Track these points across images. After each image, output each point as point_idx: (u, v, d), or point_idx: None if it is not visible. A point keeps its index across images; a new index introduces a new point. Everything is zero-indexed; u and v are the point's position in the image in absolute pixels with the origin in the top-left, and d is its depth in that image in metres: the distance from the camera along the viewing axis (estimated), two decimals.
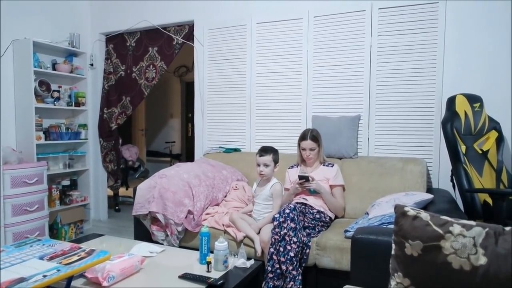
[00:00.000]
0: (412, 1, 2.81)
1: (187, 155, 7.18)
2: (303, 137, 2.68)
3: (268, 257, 2.11)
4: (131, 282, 1.76)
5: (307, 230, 2.31)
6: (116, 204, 4.76)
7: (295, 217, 2.13)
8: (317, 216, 2.43)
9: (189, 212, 2.54)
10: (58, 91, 3.76)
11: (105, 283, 1.67)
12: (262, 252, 2.25)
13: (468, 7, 2.70)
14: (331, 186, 2.61)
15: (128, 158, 5.64)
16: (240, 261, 1.97)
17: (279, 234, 2.09)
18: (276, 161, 2.49)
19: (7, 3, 3.38)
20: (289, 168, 2.80)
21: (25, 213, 3.11)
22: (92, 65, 4.14)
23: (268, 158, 2.45)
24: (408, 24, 2.84)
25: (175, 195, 2.53)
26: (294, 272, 2.06)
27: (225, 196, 2.90)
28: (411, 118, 2.87)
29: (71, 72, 3.87)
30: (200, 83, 3.68)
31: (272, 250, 2.10)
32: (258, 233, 2.35)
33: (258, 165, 2.47)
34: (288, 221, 2.10)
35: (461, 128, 2.34)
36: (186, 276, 1.79)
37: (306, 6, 3.18)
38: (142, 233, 2.67)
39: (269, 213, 2.43)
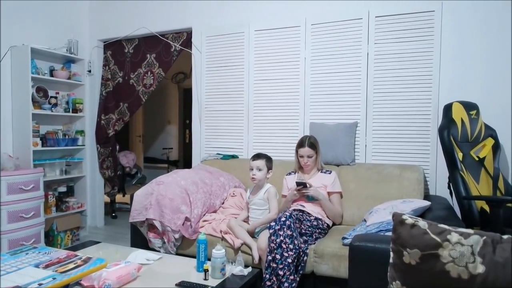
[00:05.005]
0: (409, 10, 2.84)
1: (185, 161, 7.17)
2: (300, 144, 2.69)
3: (266, 265, 2.10)
4: None
5: (305, 237, 2.30)
6: (113, 210, 4.73)
7: (291, 224, 2.13)
8: (315, 223, 2.43)
9: (186, 219, 2.53)
10: (56, 98, 3.75)
11: None
12: (260, 259, 2.24)
13: (464, 15, 2.73)
14: (329, 193, 2.61)
15: (125, 165, 5.62)
16: (238, 269, 1.96)
17: (275, 242, 2.09)
18: (269, 168, 2.53)
19: (5, 9, 3.39)
20: (286, 174, 2.81)
21: (21, 220, 3.08)
22: (90, 71, 4.14)
23: (261, 163, 2.48)
24: (405, 32, 2.86)
25: (172, 202, 2.53)
26: (292, 277, 2.05)
27: (223, 203, 2.89)
28: (408, 125, 2.88)
29: (69, 78, 3.87)
30: (198, 89, 3.69)
31: (269, 258, 2.09)
32: (253, 233, 2.38)
33: (251, 169, 2.49)
34: (285, 229, 2.10)
35: (457, 135, 2.35)
36: (183, 284, 1.78)
37: (303, 14, 3.20)
38: (139, 240, 2.66)
39: (263, 218, 2.44)
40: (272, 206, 2.47)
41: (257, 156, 2.54)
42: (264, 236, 2.24)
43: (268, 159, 2.54)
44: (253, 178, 2.49)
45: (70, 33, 3.98)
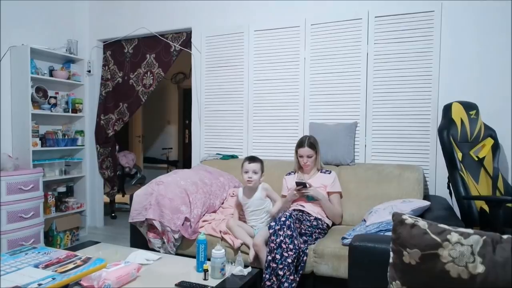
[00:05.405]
0: (408, 10, 2.84)
1: (184, 161, 7.17)
2: (300, 144, 2.69)
3: (266, 265, 2.10)
4: None
5: (304, 237, 2.30)
6: (113, 211, 4.73)
7: (291, 224, 2.13)
8: (314, 223, 2.43)
9: (186, 219, 2.53)
10: (55, 98, 3.75)
11: None
12: (256, 257, 2.23)
13: (464, 16, 2.73)
14: (329, 193, 2.61)
15: (124, 165, 5.63)
16: (238, 269, 1.96)
17: (275, 242, 2.09)
18: (262, 171, 2.51)
19: (5, 10, 3.38)
20: (286, 174, 2.81)
21: (20, 220, 3.08)
22: (89, 71, 4.13)
23: (257, 166, 2.47)
24: (404, 32, 2.86)
25: (172, 202, 2.52)
26: (292, 277, 2.05)
27: (222, 203, 2.89)
28: (408, 125, 2.88)
29: (68, 78, 3.87)
30: (197, 89, 3.69)
31: (269, 258, 2.09)
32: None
33: (246, 171, 2.46)
34: (285, 229, 2.10)
35: (457, 135, 2.35)
36: (182, 284, 1.78)
37: (303, 14, 3.20)
38: (139, 241, 2.66)
39: (275, 205, 2.45)
40: (274, 197, 2.48)
41: (253, 160, 2.50)
42: (261, 232, 2.24)
43: (262, 163, 2.53)
44: (249, 181, 2.47)
45: (69, 33, 3.98)
